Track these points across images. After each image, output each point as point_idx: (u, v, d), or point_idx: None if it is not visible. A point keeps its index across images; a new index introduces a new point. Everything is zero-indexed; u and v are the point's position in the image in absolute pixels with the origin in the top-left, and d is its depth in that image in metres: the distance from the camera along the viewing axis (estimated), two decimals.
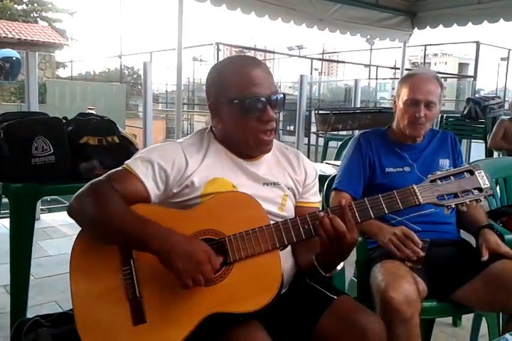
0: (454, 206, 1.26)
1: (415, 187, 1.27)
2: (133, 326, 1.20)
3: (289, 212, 1.45)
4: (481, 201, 1.27)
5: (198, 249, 1.16)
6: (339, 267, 1.34)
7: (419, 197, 1.26)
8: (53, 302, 2.58)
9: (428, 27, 5.88)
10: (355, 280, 1.87)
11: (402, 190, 1.27)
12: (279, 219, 1.37)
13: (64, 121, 2.31)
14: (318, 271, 1.32)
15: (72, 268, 1.25)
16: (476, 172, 1.28)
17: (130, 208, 1.24)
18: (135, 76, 26.25)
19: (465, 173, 1.29)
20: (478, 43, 11.32)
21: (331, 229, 1.21)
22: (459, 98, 13.13)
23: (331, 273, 1.33)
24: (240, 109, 1.31)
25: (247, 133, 1.34)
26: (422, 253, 1.62)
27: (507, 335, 1.08)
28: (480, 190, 1.27)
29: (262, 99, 1.31)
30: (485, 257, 1.70)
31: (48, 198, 5.37)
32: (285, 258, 1.35)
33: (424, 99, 1.86)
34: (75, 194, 1.26)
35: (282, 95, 1.36)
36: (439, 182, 1.27)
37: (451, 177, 1.28)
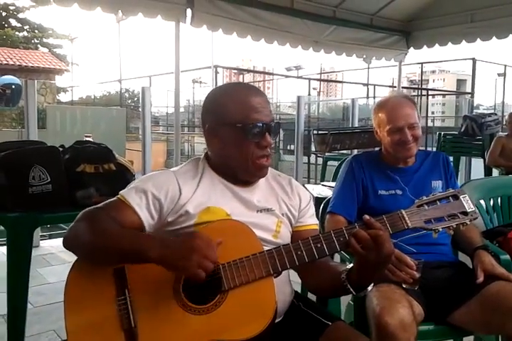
0: (441, 229, 1.28)
1: (403, 211, 1.28)
2: None
3: (284, 239, 1.44)
4: (467, 225, 1.29)
5: (191, 240, 1.17)
6: (370, 287, 1.30)
7: (408, 221, 1.27)
8: (52, 331, 2.57)
9: (425, 46, 5.96)
10: (353, 303, 1.87)
11: (391, 214, 1.28)
12: (273, 247, 1.37)
13: (61, 149, 2.34)
14: (347, 290, 1.28)
15: (66, 299, 1.25)
16: (460, 197, 1.31)
17: (121, 227, 1.26)
18: (135, 99, 26.48)
19: (450, 198, 1.31)
20: (474, 60, 11.45)
21: (368, 238, 1.19)
22: (458, 114, 13.20)
23: (362, 292, 1.29)
24: (241, 133, 1.35)
25: (245, 157, 1.37)
26: (417, 275, 1.62)
27: None
28: (465, 213, 1.29)
29: (263, 125, 1.35)
30: (480, 279, 1.70)
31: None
32: (281, 286, 1.35)
33: (406, 123, 1.88)
34: (70, 226, 1.28)
35: (277, 124, 1.42)
36: (426, 206, 1.29)
37: (438, 201, 1.30)
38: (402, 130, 1.89)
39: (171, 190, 1.35)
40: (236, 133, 1.35)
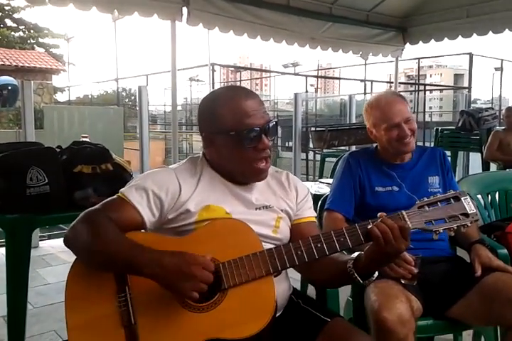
0: (442, 231, 1.29)
1: (404, 213, 1.29)
2: None
3: (284, 234, 1.46)
4: (468, 226, 1.30)
5: (188, 263, 1.17)
6: (376, 274, 1.34)
7: (408, 222, 1.28)
8: (52, 332, 2.58)
9: (421, 42, 5.96)
10: (351, 300, 1.87)
11: (392, 215, 1.28)
12: (274, 242, 1.39)
13: (58, 150, 2.34)
14: (353, 279, 1.30)
15: (67, 296, 1.26)
16: (462, 199, 1.31)
17: (123, 235, 1.25)
18: (132, 97, 26.43)
19: (451, 199, 1.32)
20: (471, 55, 11.41)
21: (396, 228, 1.23)
22: (456, 109, 13.20)
23: (368, 281, 1.33)
24: (236, 141, 1.34)
25: (243, 163, 1.37)
26: (416, 270, 1.63)
27: None
28: (466, 215, 1.30)
29: (257, 129, 1.34)
30: (478, 272, 1.71)
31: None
32: (279, 282, 1.36)
33: (402, 118, 1.89)
34: (71, 224, 1.28)
35: (275, 122, 1.39)
36: (426, 208, 1.30)
37: (439, 203, 1.31)
38: (400, 125, 1.89)
39: (171, 187, 1.35)
40: (231, 141, 1.35)
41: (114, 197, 1.35)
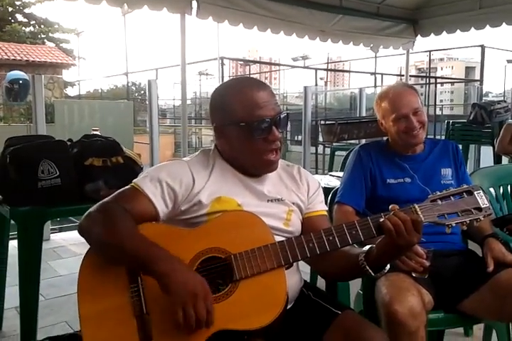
0: (454, 225, 1.28)
1: (416, 206, 1.29)
2: None
3: (295, 227, 1.46)
4: (480, 220, 1.29)
5: (197, 283, 1.17)
6: (387, 267, 1.33)
7: (421, 216, 1.27)
8: (64, 323, 2.60)
9: (432, 34, 5.89)
10: (362, 293, 1.87)
11: (404, 209, 1.28)
12: (285, 234, 1.39)
13: (69, 143, 2.36)
14: (365, 272, 1.30)
15: (80, 286, 1.26)
16: (475, 193, 1.30)
17: (137, 229, 1.25)
18: (142, 92, 26.47)
19: (464, 193, 1.31)
20: (483, 47, 11.30)
21: (409, 220, 1.23)
22: (467, 102, 13.09)
23: (380, 273, 1.32)
24: (247, 132, 1.35)
25: (253, 154, 1.38)
26: (427, 264, 1.62)
27: None
28: (479, 209, 1.29)
29: (268, 120, 1.34)
30: (490, 267, 1.70)
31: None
32: (290, 274, 1.36)
33: (410, 109, 1.88)
34: (86, 212, 1.28)
35: (286, 114, 1.39)
36: (439, 201, 1.29)
37: (451, 197, 1.30)
38: (408, 117, 1.88)
39: (185, 179, 1.36)
40: (242, 132, 1.36)
41: (128, 187, 1.35)
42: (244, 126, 1.34)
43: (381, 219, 1.26)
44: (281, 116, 1.37)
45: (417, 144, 1.95)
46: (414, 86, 2.06)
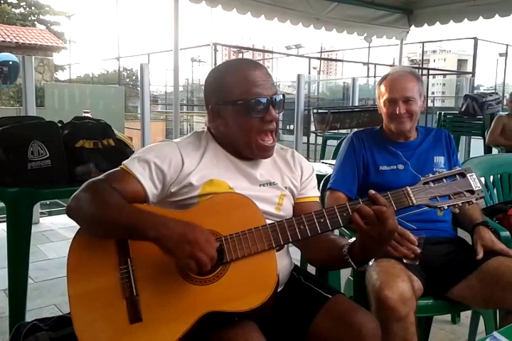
0: (446, 207, 1.27)
1: (409, 188, 1.27)
2: (129, 324, 1.20)
3: (286, 211, 1.46)
4: (472, 203, 1.28)
5: (194, 230, 1.16)
6: (371, 262, 1.31)
7: (413, 198, 1.26)
8: (53, 306, 2.59)
9: (426, 24, 5.89)
10: (352, 279, 1.88)
11: (396, 191, 1.26)
12: (276, 219, 1.37)
13: (60, 124, 2.32)
14: (348, 264, 1.29)
15: (69, 268, 1.25)
16: (467, 175, 1.29)
17: (125, 201, 1.24)
18: (133, 77, 26.24)
19: (457, 176, 1.29)
20: (476, 39, 11.30)
21: (371, 214, 1.19)
22: (458, 94, 13.12)
23: (362, 267, 1.30)
24: (244, 110, 1.33)
25: (249, 135, 1.36)
26: (419, 250, 1.63)
27: (495, 333, 1.08)
28: (472, 192, 1.28)
29: (266, 99, 1.33)
30: (480, 255, 1.71)
31: (48, 201, 5.39)
32: (281, 257, 1.36)
33: (401, 96, 1.88)
34: (73, 195, 1.27)
35: (282, 96, 1.38)
36: (431, 184, 1.28)
37: (444, 179, 1.29)
38: (396, 102, 1.88)
39: (173, 160, 1.35)
40: (238, 111, 1.34)
41: (117, 168, 1.35)
42: (241, 104, 1.33)
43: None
44: (279, 97, 1.36)
45: (400, 131, 1.94)
46: None
